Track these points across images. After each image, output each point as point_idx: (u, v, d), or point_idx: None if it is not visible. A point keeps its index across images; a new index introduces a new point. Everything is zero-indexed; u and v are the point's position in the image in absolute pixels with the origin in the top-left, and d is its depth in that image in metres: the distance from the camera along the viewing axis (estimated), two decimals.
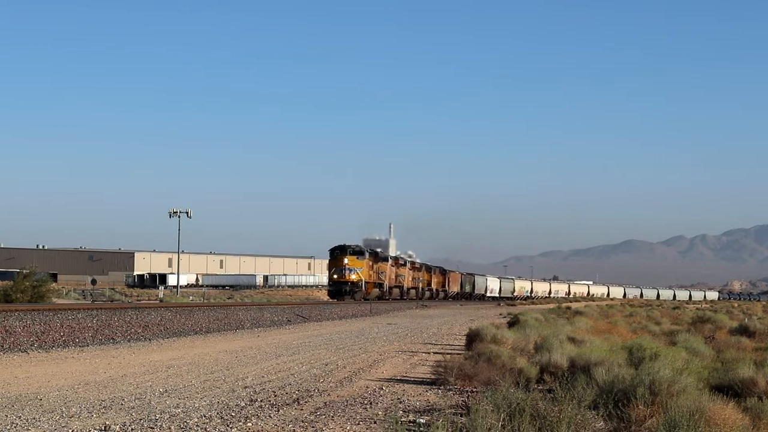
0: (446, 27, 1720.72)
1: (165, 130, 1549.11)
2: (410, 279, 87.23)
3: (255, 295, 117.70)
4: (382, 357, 20.51)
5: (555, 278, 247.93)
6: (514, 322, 31.29)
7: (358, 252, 69.92)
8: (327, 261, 73.74)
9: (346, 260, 68.62)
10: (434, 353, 21.80)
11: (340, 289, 68.64)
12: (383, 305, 62.83)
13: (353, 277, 68.69)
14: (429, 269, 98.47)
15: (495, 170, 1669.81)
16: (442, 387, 14.58)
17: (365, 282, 69.86)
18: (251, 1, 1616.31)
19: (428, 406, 12.52)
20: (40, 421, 11.01)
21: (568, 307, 56.41)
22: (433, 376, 16.05)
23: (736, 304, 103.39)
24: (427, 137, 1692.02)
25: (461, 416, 10.74)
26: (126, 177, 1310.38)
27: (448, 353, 20.17)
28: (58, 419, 11.14)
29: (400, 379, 15.86)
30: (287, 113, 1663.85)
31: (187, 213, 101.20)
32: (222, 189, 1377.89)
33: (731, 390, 12.13)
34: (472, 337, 21.17)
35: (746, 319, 35.61)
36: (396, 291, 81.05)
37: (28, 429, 10.51)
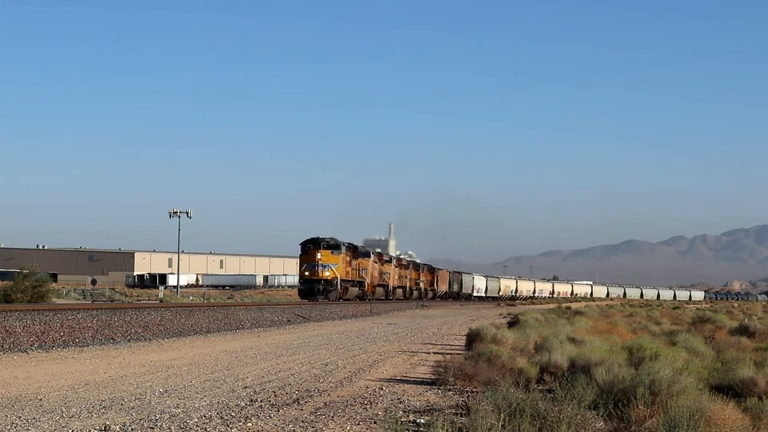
0: (445, 27, 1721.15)
1: (165, 130, 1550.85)
2: (396, 277, 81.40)
3: (255, 295, 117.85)
4: (382, 357, 20.50)
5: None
6: (514, 322, 31.28)
7: (333, 246, 62.29)
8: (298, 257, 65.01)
9: (319, 255, 61.19)
10: (434, 353, 21.79)
11: (312, 288, 61.02)
12: (383, 305, 62.47)
13: (327, 274, 61.19)
14: (417, 267, 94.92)
15: (495, 170, 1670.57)
16: (442, 387, 14.57)
17: (342, 280, 62.46)
18: (251, 1, 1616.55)
19: (428, 406, 12.51)
20: (40, 421, 11.00)
21: (568, 307, 56.38)
22: (433, 376, 16.04)
23: (736, 304, 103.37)
24: (428, 137, 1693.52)
25: (461, 416, 10.74)
26: (126, 177, 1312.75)
27: (448, 353, 20.17)
28: (58, 419, 11.13)
29: (400, 379, 15.85)
30: (287, 113, 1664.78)
31: (187, 213, 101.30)
32: (222, 189, 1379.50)
33: (731, 390, 12.12)
34: (472, 337, 21.18)
35: (746, 319, 35.60)
36: (380, 290, 74.20)
37: (28, 429, 10.50)
